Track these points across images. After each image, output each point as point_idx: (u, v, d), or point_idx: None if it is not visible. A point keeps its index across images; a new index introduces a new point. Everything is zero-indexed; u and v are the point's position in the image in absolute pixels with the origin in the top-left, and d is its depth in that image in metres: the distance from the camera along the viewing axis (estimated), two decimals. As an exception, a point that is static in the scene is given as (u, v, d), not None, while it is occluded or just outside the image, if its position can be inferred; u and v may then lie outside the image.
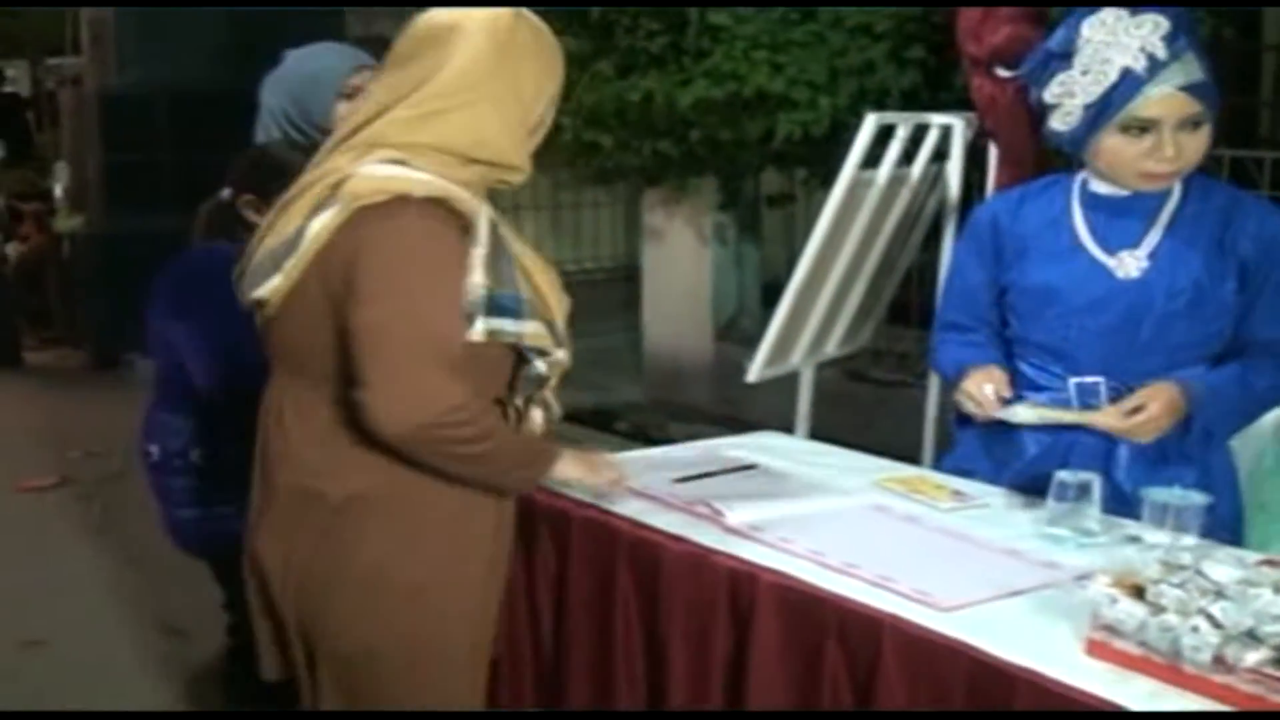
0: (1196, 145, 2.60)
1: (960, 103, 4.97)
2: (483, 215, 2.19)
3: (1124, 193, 2.67)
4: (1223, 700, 1.80)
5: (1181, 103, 2.56)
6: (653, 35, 6.62)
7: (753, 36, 6.21)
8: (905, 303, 5.93)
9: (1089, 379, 2.67)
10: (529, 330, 2.24)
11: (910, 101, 5.85)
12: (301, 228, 2.17)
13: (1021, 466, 2.78)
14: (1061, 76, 2.64)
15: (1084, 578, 2.04)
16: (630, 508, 2.58)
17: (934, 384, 4.68)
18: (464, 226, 2.17)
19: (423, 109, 2.18)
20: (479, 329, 2.17)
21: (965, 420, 2.83)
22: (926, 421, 4.72)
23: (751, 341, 5.66)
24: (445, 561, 2.29)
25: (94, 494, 6.23)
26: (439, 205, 2.14)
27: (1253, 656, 1.77)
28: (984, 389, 2.68)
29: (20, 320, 9.59)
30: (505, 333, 2.21)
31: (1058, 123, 2.68)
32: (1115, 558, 2.15)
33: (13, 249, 9.94)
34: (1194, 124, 2.58)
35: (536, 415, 2.38)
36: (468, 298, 2.16)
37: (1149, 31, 2.55)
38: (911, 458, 3.17)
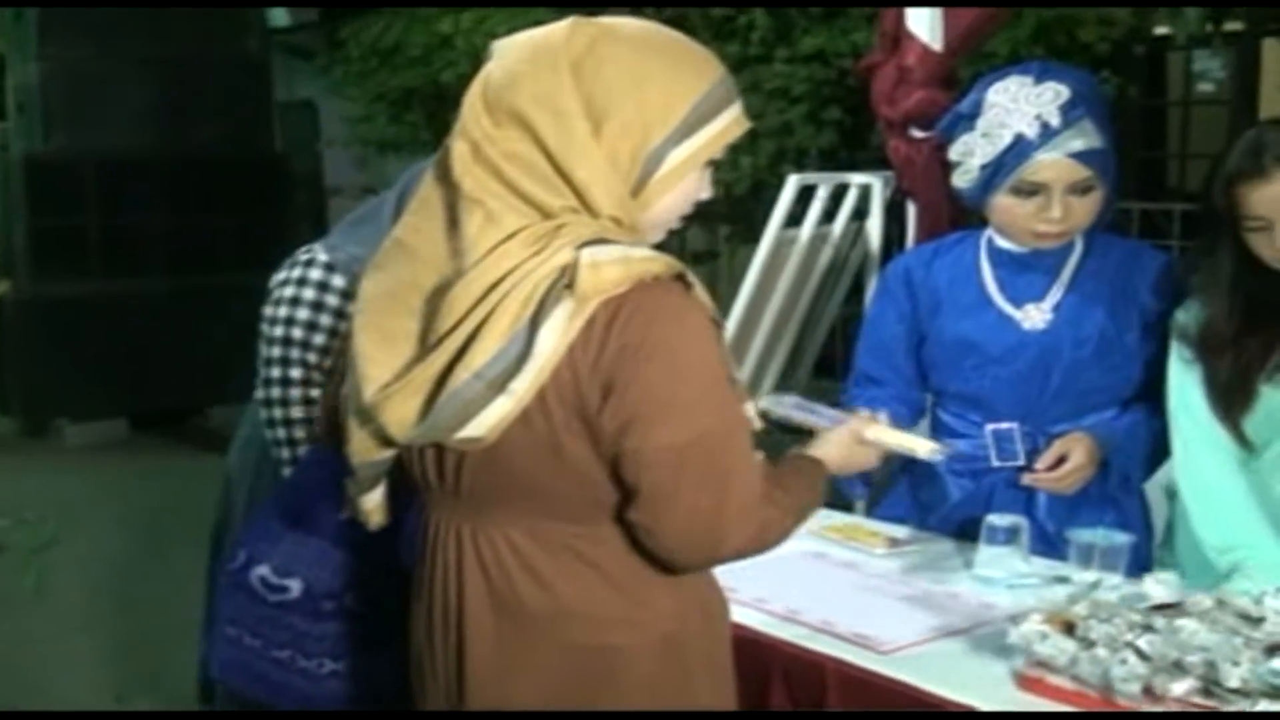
0: (1086, 208, 2.69)
1: (877, 160, 5.14)
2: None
3: (1026, 249, 2.77)
4: (1154, 730, 1.88)
5: (1070, 168, 2.64)
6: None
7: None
8: (830, 356, 6.02)
9: (1004, 425, 2.77)
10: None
11: (828, 159, 6.00)
12: (526, 339, 1.72)
13: (946, 511, 2.87)
14: (965, 137, 2.74)
15: (1017, 617, 2.12)
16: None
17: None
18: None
19: (471, 138, 1.80)
20: (751, 414, 1.94)
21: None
22: (857, 472, 4.81)
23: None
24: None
25: (29, 562, 6.20)
26: (682, 281, 1.82)
27: (1179, 687, 1.87)
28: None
29: (-54, 388, 9.50)
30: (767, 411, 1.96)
31: (958, 180, 2.78)
32: (1046, 597, 2.26)
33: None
34: (1084, 188, 2.67)
35: None
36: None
37: (1049, 100, 2.64)
38: (846, 507, 3.26)
